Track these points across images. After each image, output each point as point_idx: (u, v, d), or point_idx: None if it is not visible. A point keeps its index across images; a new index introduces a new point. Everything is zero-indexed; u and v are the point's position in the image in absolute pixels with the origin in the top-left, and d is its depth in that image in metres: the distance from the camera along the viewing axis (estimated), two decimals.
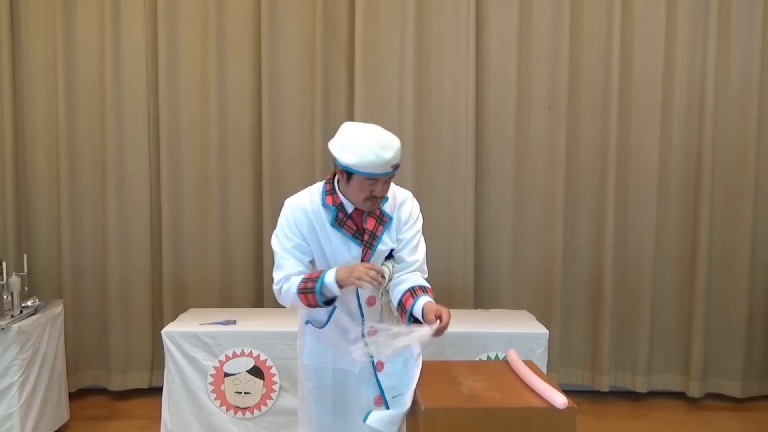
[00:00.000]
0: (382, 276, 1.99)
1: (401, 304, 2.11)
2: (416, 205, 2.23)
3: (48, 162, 3.93)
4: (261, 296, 3.99)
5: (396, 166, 2.01)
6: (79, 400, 3.88)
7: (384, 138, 1.99)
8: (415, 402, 2.16)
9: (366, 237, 2.10)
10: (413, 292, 2.09)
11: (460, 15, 3.86)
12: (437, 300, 2.10)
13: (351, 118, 3.89)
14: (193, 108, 3.92)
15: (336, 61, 3.91)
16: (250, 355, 3.11)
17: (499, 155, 3.94)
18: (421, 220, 2.24)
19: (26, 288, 3.22)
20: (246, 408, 3.12)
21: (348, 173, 2.01)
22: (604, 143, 3.91)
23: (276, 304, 3.86)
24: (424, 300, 2.05)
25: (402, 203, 2.19)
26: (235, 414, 3.12)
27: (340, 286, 1.98)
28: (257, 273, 4.00)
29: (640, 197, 3.95)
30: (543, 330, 3.17)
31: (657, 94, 3.89)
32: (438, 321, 1.94)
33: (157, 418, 3.19)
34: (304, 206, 2.09)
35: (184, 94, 3.91)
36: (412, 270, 2.18)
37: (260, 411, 3.12)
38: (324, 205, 2.09)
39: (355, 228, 2.10)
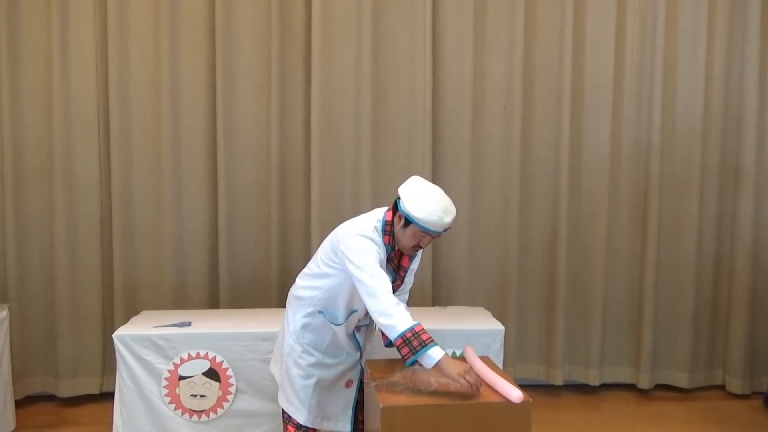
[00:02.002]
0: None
1: None
2: None
3: None
4: (216, 297, 3.93)
5: (447, 230, 2.33)
6: (27, 408, 3.74)
7: (448, 205, 2.33)
8: (372, 400, 2.17)
9: (402, 273, 2.49)
10: None
11: (416, 14, 3.88)
12: None
13: (308, 117, 3.88)
14: (145, 106, 3.82)
15: (292, 59, 3.88)
16: (206, 357, 3.05)
17: (455, 154, 3.98)
18: None
19: None
20: (202, 411, 3.06)
21: (407, 221, 2.30)
22: (557, 142, 4.00)
23: (232, 305, 3.88)
24: None
25: None
26: (190, 417, 3.06)
27: (441, 370, 2.13)
28: (212, 273, 3.94)
29: (592, 195, 4.05)
30: (499, 326, 3.21)
31: (608, 94, 4.00)
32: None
33: (109, 424, 3.10)
34: (380, 245, 2.35)
35: (135, 91, 3.80)
36: (406, 291, 2.62)
37: (216, 414, 3.07)
38: (383, 243, 2.38)
39: (395, 264, 2.47)
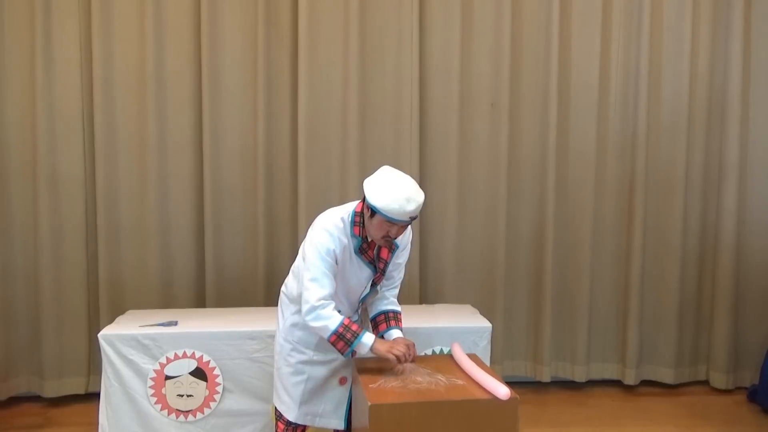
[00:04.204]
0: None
1: (375, 321, 2.55)
2: (410, 231, 2.55)
3: None
4: (203, 296, 3.90)
5: (413, 218, 2.29)
6: (11, 409, 3.71)
7: (411, 193, 2.26)
8: (361, 398, 2.17)
9: (381, 265, 2.46)
10: (387, 319, 2.53)
11: (403, 12, 3.88)
12: None
13: (295, 115, 3.86)
14: (129, 104, 3.78)
15: (278, 56, 3.86)
16: (193, 356, 3.04)
17: (443, 151, 3.98)
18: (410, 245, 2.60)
19: None
20: (188, 411, 3.04)
21: (372, 211, 2.27)
22: (544, 140, 4.01)
23: (219, 304, 3.86)
24: (395, 334, 2.48)
25: (404, 232, 2.46)
26: (177, 417, 3.04)
27: (373, 353, 2.29)
28: (199, 272, 3.92)
29: (578, 193, 4.07)
30: (486, 324, 3.22)
31: (593, 92, 4.02)
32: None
33: (95, 425, 3.07)
34: (340, 234, 2.35)
35: (120, 89, 3.77)
36: (395, 286, 2.60)
37: (203, 414, 3.05)
38: (351, 234, 2.37)
39: (371, 256, 2.43)
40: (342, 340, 2.28)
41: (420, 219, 3.92)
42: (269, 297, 3.87)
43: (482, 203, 4.03)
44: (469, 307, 3.59)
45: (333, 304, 2.32)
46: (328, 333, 2.28)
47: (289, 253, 3.90)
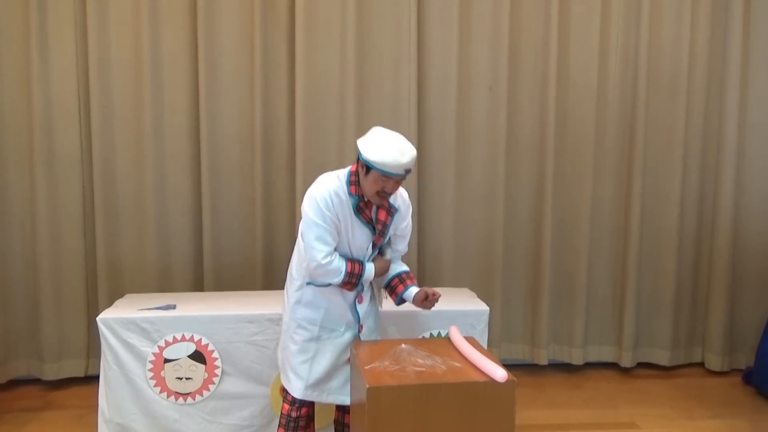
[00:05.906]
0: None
1: (390, 287, 2.67)
2: (410, 203, 2.67)
3: None
4: (201, 279, 3.91)
5: (408, 171, 2.36)
6: (10, 391, 3.73)
7: (403, 146, 2.35)
8: (358, 380, 2.18)
9: (380, 227, 2.52)
10: (402, 280, 2.65)
11: None
12: None
13: (292, 99, 3.84)
14: (126, 86, 3.76)
15: (276, 39, 3.83)
16: (191, 339, 3.05)
17: (441, 135, 3.97)
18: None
19: None
20: (187, 394, 3.06)
21: (367, 167, 2.34)
22: (543, 123, 4.00)
23: (217, 288, 3.86)
24: (414, 290, 2.62)
25: (404, 199, 2.62)
26: (176, 400, 3.06)
27: (375, 270, 2.53)
28: (197, 256, 3.92)
29: (577, 175, 4.07)
30: (483, 307, 3.23)
31: (593, 75, 4.00)
32: (426, 296, 2.58)
33: (94, 407, 3.09)
34: (338, 191, 2.42)
35: (115, 71, 3.74)
36: (399, 257, 2.71)
37: (202, 396, 3.07)
38: (348, 193, 2.42)
39: (369, 215, 2.50)
40: (350, 284, 2.47)
41: (418, 202, 3.92)
42: (267, 280, 3.87)
43: (480, 187, 4.03)
44: (466, 291, 3.59)
45: (337, 256, 2.45)
46: (341, 280, 2.45)
47: (287, 236, 3.90)
